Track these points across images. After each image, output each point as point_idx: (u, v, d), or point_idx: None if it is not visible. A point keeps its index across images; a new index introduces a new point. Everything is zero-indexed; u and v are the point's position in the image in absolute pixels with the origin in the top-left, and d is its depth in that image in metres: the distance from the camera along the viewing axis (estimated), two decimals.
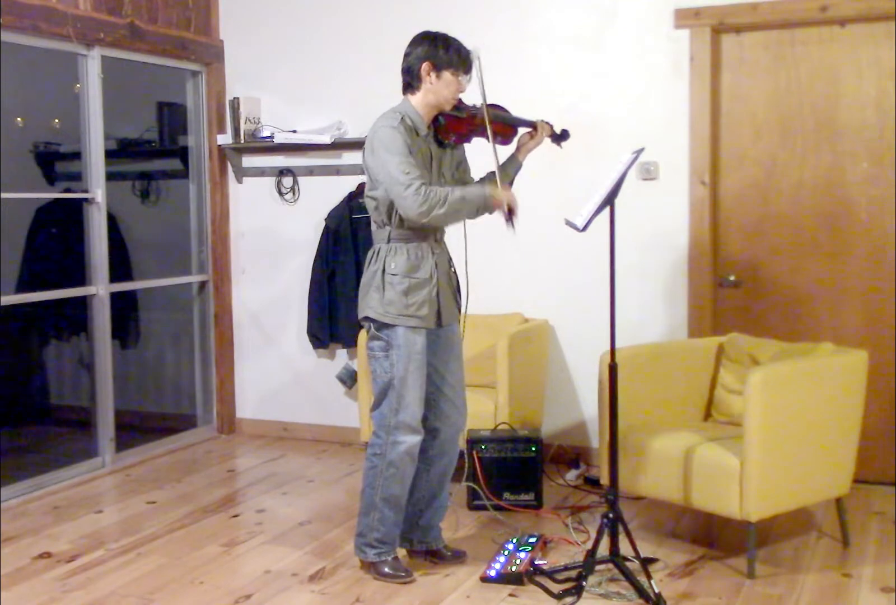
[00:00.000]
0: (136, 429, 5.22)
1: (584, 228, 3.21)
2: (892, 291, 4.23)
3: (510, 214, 3.24)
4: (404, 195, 3.10)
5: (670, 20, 4.42)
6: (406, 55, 3.26)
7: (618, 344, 3.33)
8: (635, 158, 3.28)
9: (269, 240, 5.35)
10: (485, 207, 3.23)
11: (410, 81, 3.26)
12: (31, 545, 3.75)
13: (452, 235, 3.42)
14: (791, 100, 4.34)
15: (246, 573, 3.46)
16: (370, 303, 3.27)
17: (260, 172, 5.32)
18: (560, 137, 3.55)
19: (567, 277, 4.69)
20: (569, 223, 3.26)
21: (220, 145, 5.27)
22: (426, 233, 3.27)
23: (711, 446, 3.45)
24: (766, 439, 3.26)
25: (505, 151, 3.44)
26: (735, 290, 4.49)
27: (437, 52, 3.20)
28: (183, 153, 5.41)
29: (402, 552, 3.50)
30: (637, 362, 3.77)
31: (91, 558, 3.62)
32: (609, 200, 3.21)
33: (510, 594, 3.23)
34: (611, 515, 3.23)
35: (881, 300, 4.27)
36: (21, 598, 3.26)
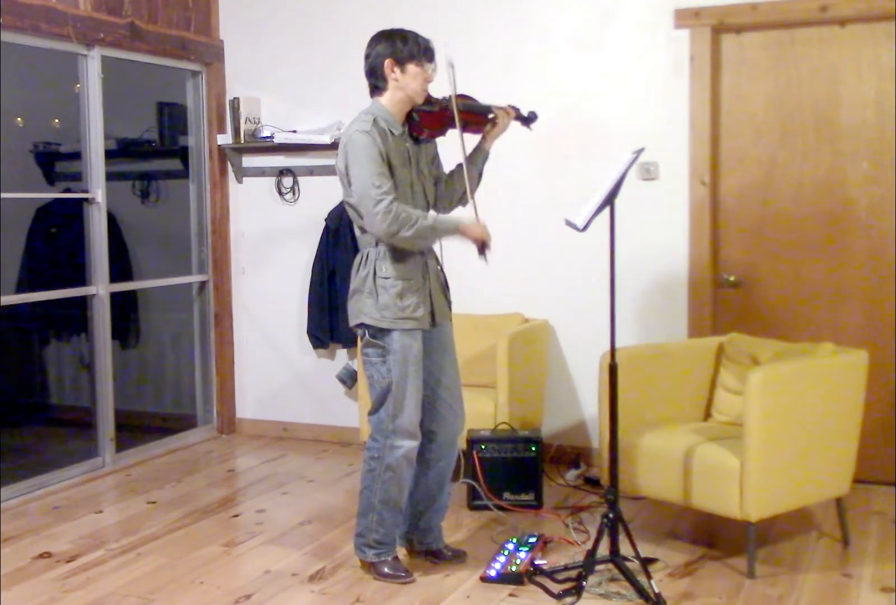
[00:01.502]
0: (136, 429, 5.22)
1: (584, 228, 3.21)
2: (892, 292, 4.23)
3: (483, 247, 3.26)
4: (374, 211, 3.08)
5: (670, 20, 4.42)
6: (366, 57, 3.23)
7: (618, 344, 3.33)
8: (635, 158, 3.28)
9: (269, 240, 5.35)
10: (453, 237, 3.24)
11: (376, 83, 3.22)
12: (31, 545, 3.75)
13: None
14: (791, 100, 4.34)
15: (246, 573, 3.46)
16: (364, 309, 3.24)
17: (260, 172, 5.32)
18: (528, 120, 3.48)
19: (567, 277, 4.69)
20: (569, 223, 3.26)
21: (220, 145, 5.27)
22: None
23: (711, 446, 3.44)
24: (766, 439, 3.26)
25: (471, 142, 3.41)
26: (735, 290, 4.49)
27: (396, 46, 3.17)
28: (183, 153, 5.41)
29: (402, 552, 3.50)
30: (637, 362, 3.77)
31: (91, 558, 3.62)
32: (609, 200, 3.21)
33: (510, 594, 3.23)
34: (611, 515, 3.23)
35: (881, 300, 4.27)
36: (21, 598, 3.26)
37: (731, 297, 4.51)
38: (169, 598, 3.24)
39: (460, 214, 3.37)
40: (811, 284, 4.37)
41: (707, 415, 3.97)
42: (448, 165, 3.48)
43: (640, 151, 3.30)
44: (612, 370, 3.30)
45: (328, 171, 5.13)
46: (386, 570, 3.34)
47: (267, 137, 5.14)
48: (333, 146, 4.97)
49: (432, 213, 3.21)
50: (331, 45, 5.06)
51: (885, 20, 4.12)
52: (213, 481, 4.62)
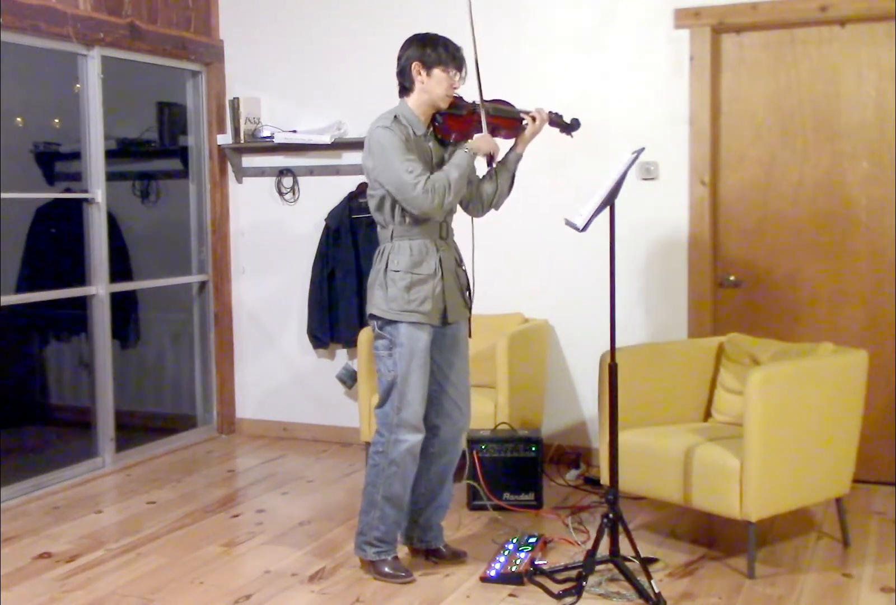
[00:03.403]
0: (136, 429, 5.22)
1: (584, 228, 3.21)
2: (892, 291, 4.23)
3: (491, 159, 3.36)
4: (414, 195, 3.14)
5: (670, 20, 4.42)
6: (398, 59, 3.30)
7: (618, 344, 3.33)
8: (635, 158, 3.28)
9: (268, 240, 5.35)
10: (475, 160, 3.32)
11: (404, 83, 3.29)
12: (31, 545, 3.75)
13: (459, 235, 3.43)
14: (791, 100, 4.34)
15: (246, 573, 3.46)
16: (374, 301, 3.29)
17: (260, 171, 5.32)
18: (570, 127, 3.51)
19: (567, 277, 4.69)
20: (569, 223, 3.26)
21: (220, 145, 5.27)
22: (429, 230, 3.28)
23: (711, 446, 3.44)
24: (766, 439, 3.26)
25: (505, 144, 3.43)
26: (735, 290, 4.49)
27: (425, 51, 3.23)
28: (183, 153, 5.41)
29: (403, 551, 3.50)
30: (637, 362, 3.77)
31: (91, 558, 3.62)
32: (609, 200, 3.21)
33: (510, 594, 3.23)
34: (611, 515, 3.23)
35: (881, 300, 4.27)
36: (21, 598, 3.26)
37: (731, 297, 4.51)
38: (169, 598, 3.24)
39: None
40: (811, 284, 4.37)
41: (707, 415, 3.97)
42: (480, 170, 3.48)
43: (640, 151, 3.30)
44: (612, 370, 3.30)
45: (328, 171, 5.14)
46: (386, 569, 3.34)
47: (267, 137, 5.14)
48: (333, 146, 4.99)
49: (447, 166, 3.25)
50: (331, 46, 5.07)
51: (885, 20, 4.12)
52: (213, 481, 4.62)
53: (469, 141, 3.32)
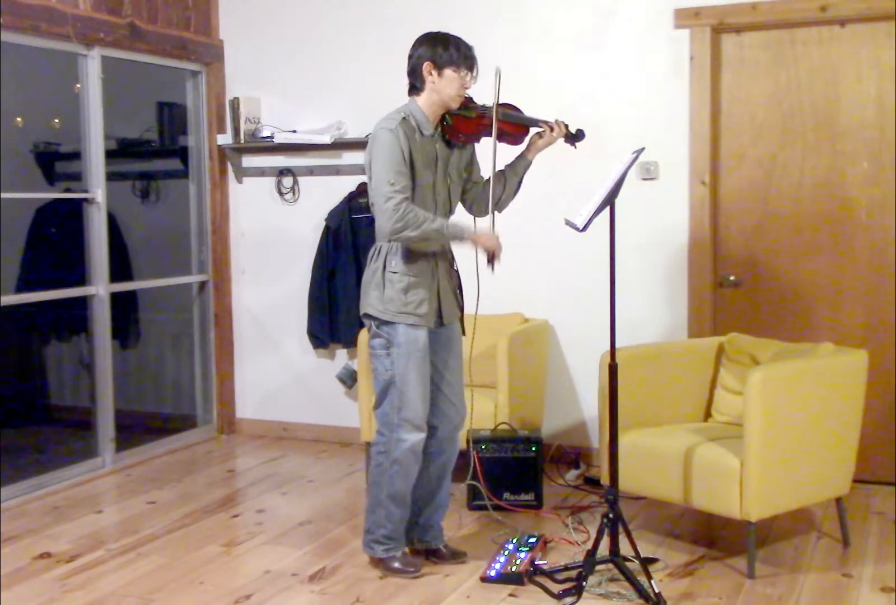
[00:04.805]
0: (136, 429, 5.22)
1: (584, 229, 3.21)
2: (892, 292, 4.23)
3: (492, 257, 3.28)
4: (383, 208, 3.13)
5: (670, 20, 4.42)
6: (409, 57, 3.28)
7: (618, 344, 3.33)
8: (635, 158, 3.28)
9: (269, 240, 5.35)
10: (460, 244, 3.28)
11: (415, 82, 3.28)
12: (31, 545, 3.75)
13: None
14: (791, 100, 4.34)
15: (246, 573, 3.46)
16: (370, 300, 3.29)
17: (260, 172, 5.32)
18: (575, 137, 3.50)
19: (567, 277, 4.69)
20: (569, 223, 3.26)
21: (220, 145, 5.27)
22: None
23: (711, 446, 3.44)
24: (766, 439, 3.26)
25: (515, 150, 3.44)
26: (735, 290, 4.49)
27: (437, 50, 3.21)
28: (183, 153, 5.41)
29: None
30: (637, 362, 3.77)
31: (91, 558, 3.62)
32: (609, 200, 3.21)
33: (510, 594, 3.23)
34: (611, 515, 3.23)
35: (881, 300, 4.27)
36: (21, 598, 3.26)
37: (731, 297, 4.51)
38: (169, 598, 3.24)
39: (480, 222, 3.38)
40: (811, 284, 4.37)
41: (707, 415, 3.97)
42: (484, 171, 3.48)
43: (640, 151, 3.30)
44: (612, 370, 3.30)
45: (328, 171, 5.14)
46: (396, 565, 3.37)
47: (267, 137, 5.14)
48: (333, 146, 4.99)
49: (442, 219, 3.23)
50: (331, 45, 5.07)
51: (885, 20, 4.13)
52: (213, 481, 4.62)
53: (476, 234, 3.25)
